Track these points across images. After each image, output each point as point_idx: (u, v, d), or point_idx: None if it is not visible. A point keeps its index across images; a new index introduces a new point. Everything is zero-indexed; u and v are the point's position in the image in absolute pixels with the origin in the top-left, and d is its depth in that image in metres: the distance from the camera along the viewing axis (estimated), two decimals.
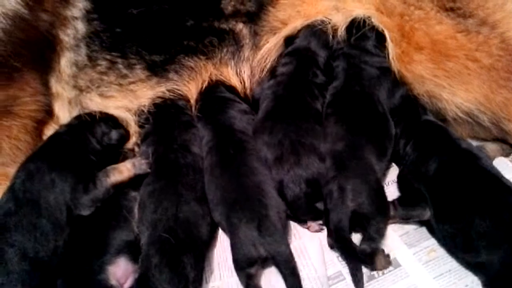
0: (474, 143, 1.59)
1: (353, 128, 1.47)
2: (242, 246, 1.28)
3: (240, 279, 1.28)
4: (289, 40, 1.78)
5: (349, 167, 1.37)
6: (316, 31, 1.75)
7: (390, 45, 1.64)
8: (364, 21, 1.68)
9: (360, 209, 1.31)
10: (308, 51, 1.73)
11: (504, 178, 1.31)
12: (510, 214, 1.21)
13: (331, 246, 1.37)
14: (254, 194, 1.34)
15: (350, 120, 1.50)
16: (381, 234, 1.33)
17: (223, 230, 1.41)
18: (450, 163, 1.37)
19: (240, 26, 1.75)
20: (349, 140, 1.44)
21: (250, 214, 1.29)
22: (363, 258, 1.29)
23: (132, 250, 1.30)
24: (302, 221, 1.45)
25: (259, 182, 1.37)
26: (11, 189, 1.35)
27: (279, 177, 1.42)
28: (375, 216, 1.31)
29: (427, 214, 1.34)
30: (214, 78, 1.74)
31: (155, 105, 1.68)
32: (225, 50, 1.74)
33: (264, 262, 1.29)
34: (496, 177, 1.30)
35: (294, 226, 1.45)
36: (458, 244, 1.27)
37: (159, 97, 1.69)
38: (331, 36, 1.75)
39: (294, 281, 1.23)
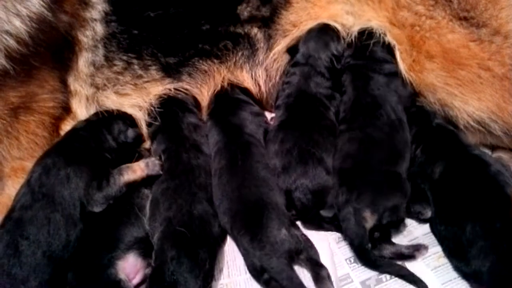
0: None
1: (366, 142, 1.46)
2: (246, 258, 1.31)
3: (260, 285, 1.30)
4: (292, 49, 1.78)
5: (360, 187, 1.36)
6: (313, 33, 1.74)
7: (399, 57, 1.64)
8: (374, 32, 1.69)
9: (380, 221, 1.33)
10: (308, 58, 1.71)
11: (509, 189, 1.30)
12: (502, 225, 1.20)
13: None
14: (254, 207, 1.34)
15: (363, 135, 1.48)
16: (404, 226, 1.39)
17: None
18: (456, 167, 1.38)
19: (255, 30, 1.77)
20: (360, 158, 1.43)
21: (246, 228, 1.31)
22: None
23: (142, 246, 1.32)
24: (311, 226, 1.45)
25: (261, 193, 1.37)
26: (28, 183, 1.37)
27: (286, 186, 1.43)
28: (398, 222, 1.35)
29: (428, 213, 1.38)
30: (227, 82, 1.76)
31: (161, 102, 1.69)
32: (239, 54, 1.76)
33: None
34: (499, 187, 1.30)
35: (303, 229, 1.43)
36: (452, 249, 1.29)
37: (166, 94, 1.71)
38: (337, 40, 1.74)
39: None
